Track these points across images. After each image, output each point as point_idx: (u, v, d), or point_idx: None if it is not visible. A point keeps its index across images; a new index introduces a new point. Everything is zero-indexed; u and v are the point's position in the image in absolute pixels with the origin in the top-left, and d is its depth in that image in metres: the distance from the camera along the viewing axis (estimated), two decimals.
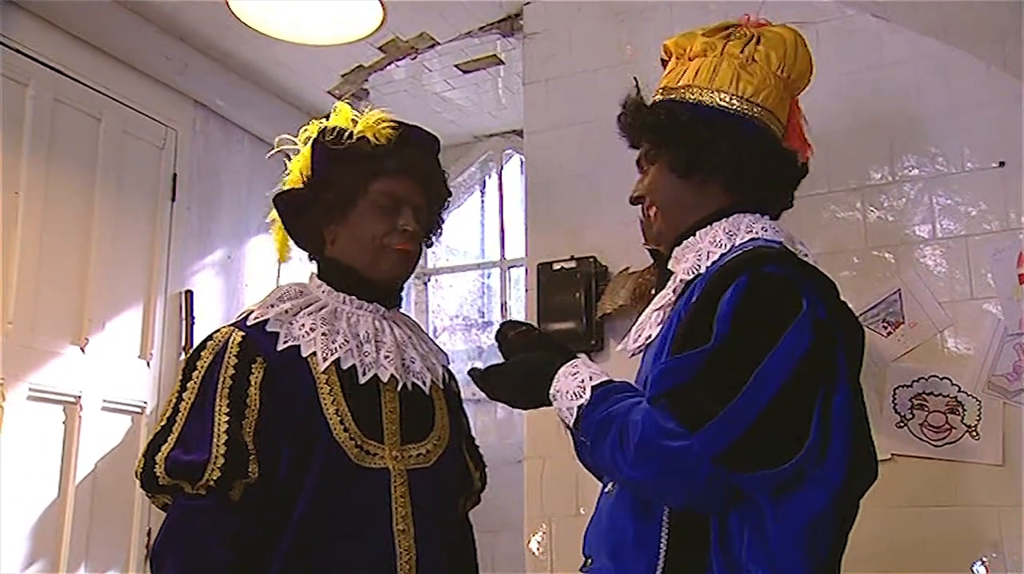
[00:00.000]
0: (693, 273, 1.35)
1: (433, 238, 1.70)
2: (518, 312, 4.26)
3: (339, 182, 1.55)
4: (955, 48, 2.58)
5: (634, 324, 1.46)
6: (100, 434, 3.15)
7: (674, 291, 1.38)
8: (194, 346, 1.52)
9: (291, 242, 1.65)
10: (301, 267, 1.70)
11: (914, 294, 2.53)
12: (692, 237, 1.40)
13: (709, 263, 1.33)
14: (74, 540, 3.01)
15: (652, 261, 2.80)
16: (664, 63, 1.55)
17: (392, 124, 1.59)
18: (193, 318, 3.56)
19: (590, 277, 2.92)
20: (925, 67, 2.62)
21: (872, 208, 2.65)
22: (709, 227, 1.38)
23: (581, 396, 1.27)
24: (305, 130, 1.62)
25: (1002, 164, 2.51)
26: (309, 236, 1.61)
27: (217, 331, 1.51)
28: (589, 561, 1.36)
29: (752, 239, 1.32)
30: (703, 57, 1.44)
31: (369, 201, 1.55)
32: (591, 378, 1.29)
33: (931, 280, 2.54)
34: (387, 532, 1.44)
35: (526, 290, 3.12)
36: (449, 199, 1.70)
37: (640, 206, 1.49)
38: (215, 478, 1.37)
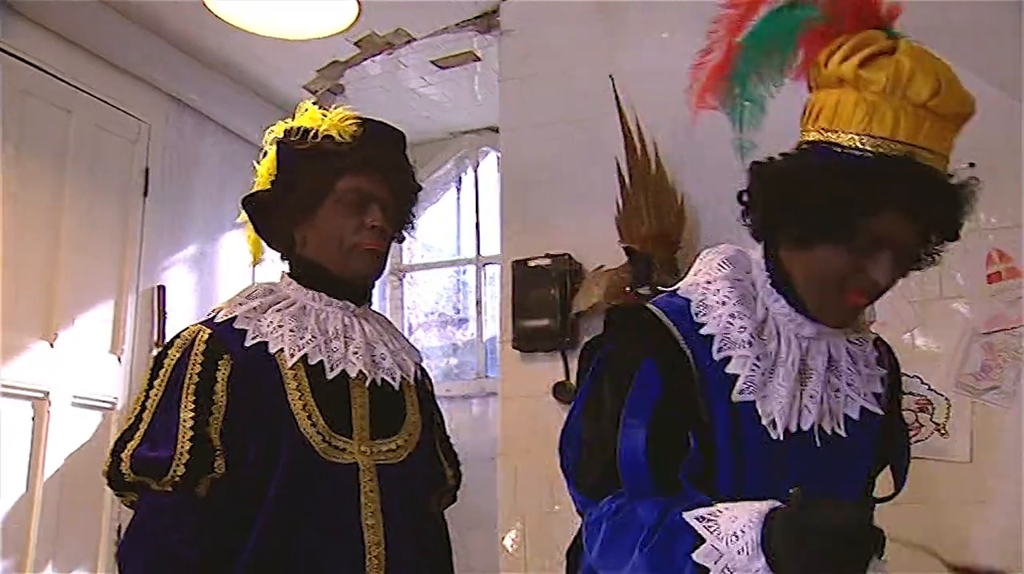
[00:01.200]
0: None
1: (405, 233, 1.69)
2: (493, 309, 4.27)
3: (305, 181, 1.55)
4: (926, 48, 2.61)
5: (796, 395, 1.23)
6: (69, 430, 3.12)
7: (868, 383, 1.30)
8: (166, 342, 1.52)
9: (263, 243, 1.65)
10: (276, 268, 1.69)
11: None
12: None
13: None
14: (42, 537, 2.98)
15: (626, 259, 2.84)
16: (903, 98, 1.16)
17: (356, 121, 1.58)
18: (165, 313, 3.53)
19: (565, 274, 2.93)
20: None
21: None
22: None
23: None
24: (271, 131, 1.62)
25: (972, 165, 2.53)
26: (279, 237, 1.61)
27: (185, 329, 1.51)
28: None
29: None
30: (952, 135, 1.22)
31: (336, 199, 1.54)
32: None
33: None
34: (356, 526, 1.44)
35: (501, 287, 3.12)
36: (418, 193, 1.68)
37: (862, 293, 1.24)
38: (180, 474, 1.37)
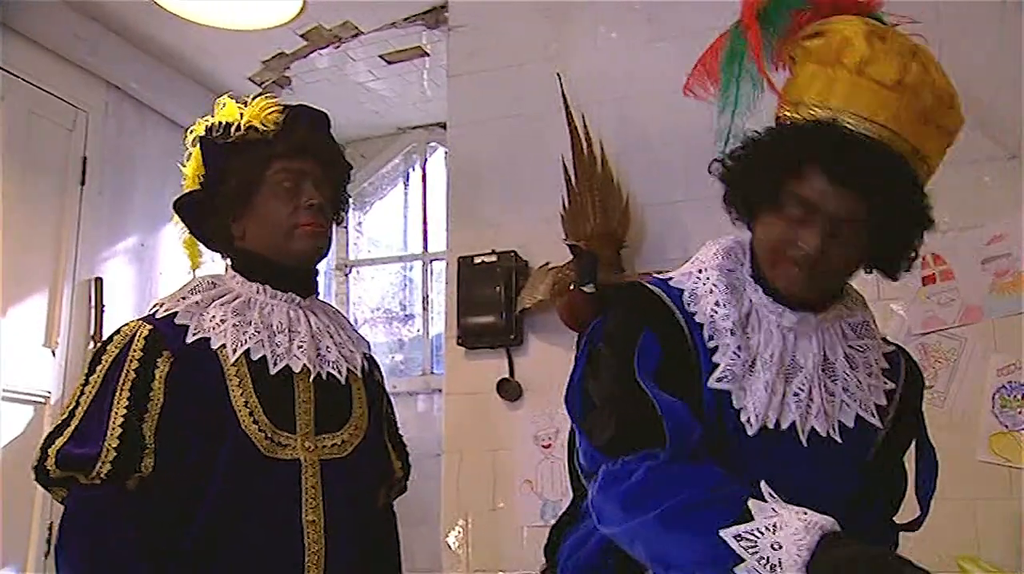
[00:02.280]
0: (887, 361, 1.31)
1: (341, 213, 1.68)
2: (440, 305, 4.26)
3: (236, 174, 1.54)
4: None
5: (766, 395, 1.21)
6: (1, 424, 3.04)
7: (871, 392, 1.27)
8: (104, 335, 1.50)
9: (200, 246, 1.64)
10: (216, 268, 1.67)
11: None
12: (827, 311, 1.28)
13: (885, 366, 1.31)
14: None
15: (571, 257, 2.85)
16: (863, 70, 1.14)
17: (278, 108, 1.58)
18: (103, 306, 3.45)
19: (510, 272, 2.93)
20: None
21: None
22: (841, 301, 1.30)
23: None
24: (191, 130, 1.60)
25: None
26: (217, 235, 1.59)
27: (125, 325, 1.49)
28: None
29: (883, 336, 1.36)
30: (938, 129, 1.17)
31: (269, 185, 1.53)
32: None
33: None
34: (296, 523, 1.43)
35: (447, 283, 3.11)
36: (350, 173, 1.68)
37: (797, 257, 1.18)
38: (105, 471, 1.36)
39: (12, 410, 3.10)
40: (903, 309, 2.54)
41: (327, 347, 1.56)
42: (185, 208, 1.60)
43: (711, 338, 1.20)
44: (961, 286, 2.49)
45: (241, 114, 1.56)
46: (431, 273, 4.48)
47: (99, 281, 3.48)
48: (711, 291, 1.23)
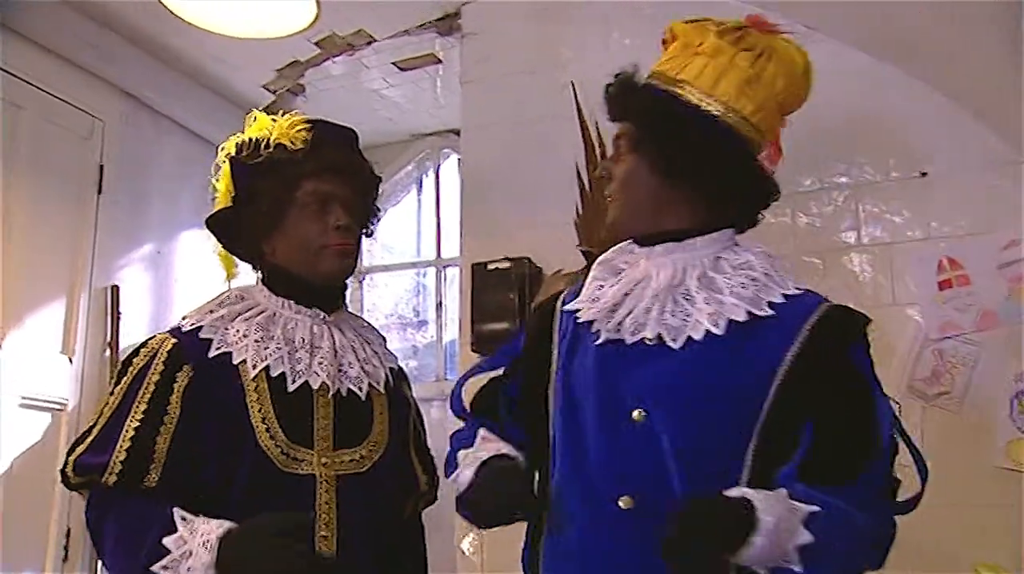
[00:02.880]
0: (762, 310, 1.29)
1: (371, 227, 1.69)
2: (453, 311, 4.26)
3: (265, 194, 1.55)
4: (881, 61, 2.66)
5: (610, 305, 1.36)
6: (18, 431, 3.05)
7: (715, 304, 1.29)
8: (121, 343, 1.52)
9: (234, 257, 1.66)
10: (251, 278, 1.70)
11: (840, 299, 2.58)
12: (688, 240, 1.35)
13: (774, 301, 1.30)
14: None
15: (585, 263, 2.84)
16: (664, 44, 1.48)
17: (306, 126, 1.59)
18: (119, 313, 3.47)
19: (524, 278, 2.93)
20: (852, 77, 2.68)
21: (801, 214, 2.71)
22: (710, 239, 1.34)
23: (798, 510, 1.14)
24: (222, 148, 1.62)
25: (924, 175, 2.59)
26: (249, 251, 1.62)
27: (152, 338, 1.53)
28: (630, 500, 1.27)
29: (808, 290, 1.37)
30: (711, 58, 1.36)
31: (299, 205, 1.55)
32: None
33: (856, 286, 2.61)
34: (309, 537, 1.44)
35: (460, 290, 3.11)
36: (378, 186, 1.69)
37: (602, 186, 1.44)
38: (112, 482, 1.39)
39: (30, 417, 3.12)
40: (919, 314, 2.53)
41: (349, 363, 1.57)
42: (217, 225, 1.62)
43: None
44: (978, 291, 2.48)
45: (270, 131, 1.57)
46: (445, 279, 4.49)
47: (115, 289, 3.50)
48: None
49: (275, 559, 1.27)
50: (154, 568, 1.30)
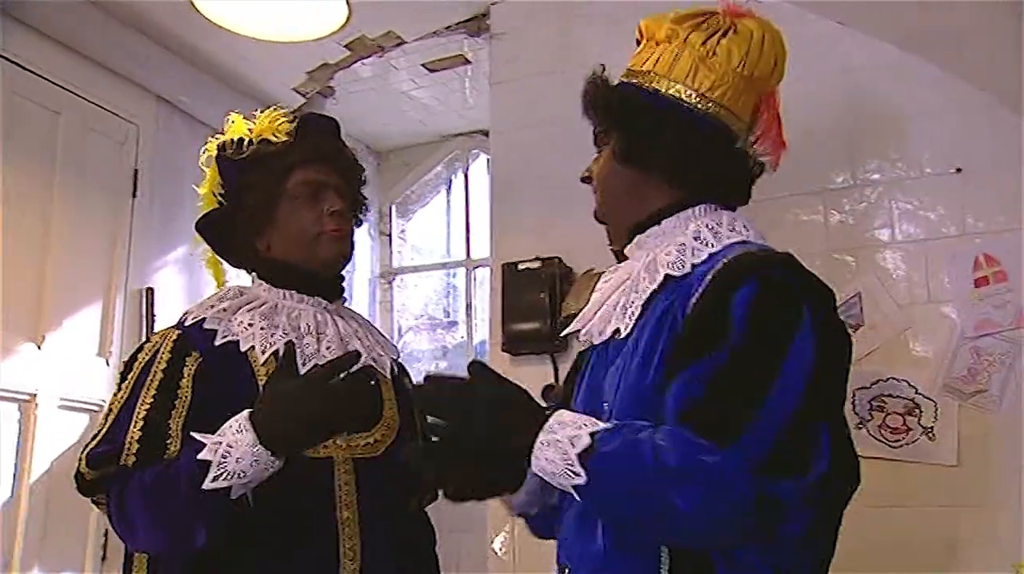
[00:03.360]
0: (679, 269, 1.25)
1: (361, 216, 1.70)
2: (483, 312, 4.26)
3: (255, 189, 1.56)
4: (914, 55, 2.63)
5: (592, 312, 1.41)
6: (57, 432, 3.10)
7: (652, 282, 1.27)
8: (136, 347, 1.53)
9: (223, 265, 1.67)
10: (242, 282, 1.70)
11: (874, 297, 2.57)
12: (655, 227, 1.34)
13: (697, 260, 1.25)
14: (28, 540, 2.96)
15: (617, 263, 2.83)
16: (638, 43, 1.54)
17: (287, 118, 1.60)
18: (154, 316, 3.51)
19: (555, 278, 2.93)
20: (885, 73, 2.66)
21: (833, 211, 2.68)
22: (676, 218, 1.32)
23: (585, 426, 1.09)
24: (204, 150, 1.63)
25: (959, 170, 2.56)
26: (242, 251, 1.62)
27: (155, 334, 1.53)
28: (567, 571, 1.29)
29: (743, 242, 1.26)
30: (667, 44, 1.41)
31: (290, 197, 1.56)
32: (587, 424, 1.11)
33: (890, 283, 2.58)
34: (331, 519, 1.45)
35: (491, 290, 3.12)
36: (363, 174, 1.70)
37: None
38: (131, 463, 1.36)
39: (68, 419, 3.16)
40: (955, 312, 2.50)
41: (355, 350, 1.57)
42: (208, 227, 1.63)
43: None
44: (1015, 288, 2.44)
45: (250, 129, 1.59)
46: (475, 280, 4.50)
47: (150, 291, 3.55)
48: None
49: (315, 397, 1.28)
50: (205, 486, 1.26)
